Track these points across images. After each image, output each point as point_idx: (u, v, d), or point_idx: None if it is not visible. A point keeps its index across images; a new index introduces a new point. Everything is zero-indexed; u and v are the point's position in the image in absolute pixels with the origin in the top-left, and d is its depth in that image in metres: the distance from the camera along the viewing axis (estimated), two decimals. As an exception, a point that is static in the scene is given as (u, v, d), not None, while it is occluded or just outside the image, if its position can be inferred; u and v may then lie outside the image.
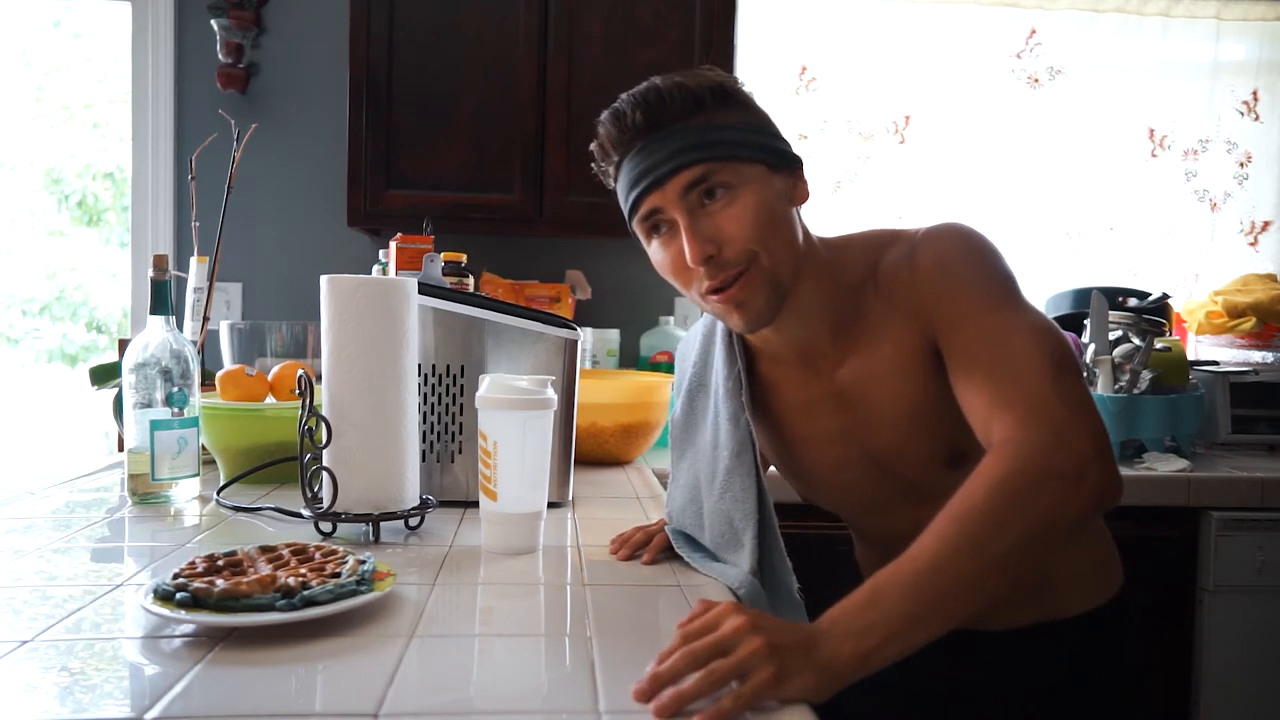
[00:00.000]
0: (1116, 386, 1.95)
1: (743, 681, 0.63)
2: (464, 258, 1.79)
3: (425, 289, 1.23)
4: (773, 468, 1.17)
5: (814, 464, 1.05)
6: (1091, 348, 1.98)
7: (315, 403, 1.05)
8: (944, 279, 0.88)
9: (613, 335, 2.35)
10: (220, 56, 2.31)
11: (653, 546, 1.02)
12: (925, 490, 0.94)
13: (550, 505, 1.22)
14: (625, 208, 0.93)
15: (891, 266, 0.93)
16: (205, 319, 1.61)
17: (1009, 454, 0.75)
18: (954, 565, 0.69)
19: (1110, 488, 0.76)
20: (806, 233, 0.95)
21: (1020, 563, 0.72)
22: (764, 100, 0.96)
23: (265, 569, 0.80)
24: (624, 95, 0.91)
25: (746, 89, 0.93)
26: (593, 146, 0.95)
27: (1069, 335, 1.95)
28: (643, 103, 0.88)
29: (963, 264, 0.88)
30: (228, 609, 0.72)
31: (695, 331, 1.15)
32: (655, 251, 0.94)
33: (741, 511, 0.96)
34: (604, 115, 0.92)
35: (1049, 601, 1.01)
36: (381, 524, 1.05)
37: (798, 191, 0.94)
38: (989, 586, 0.71)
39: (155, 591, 0.74)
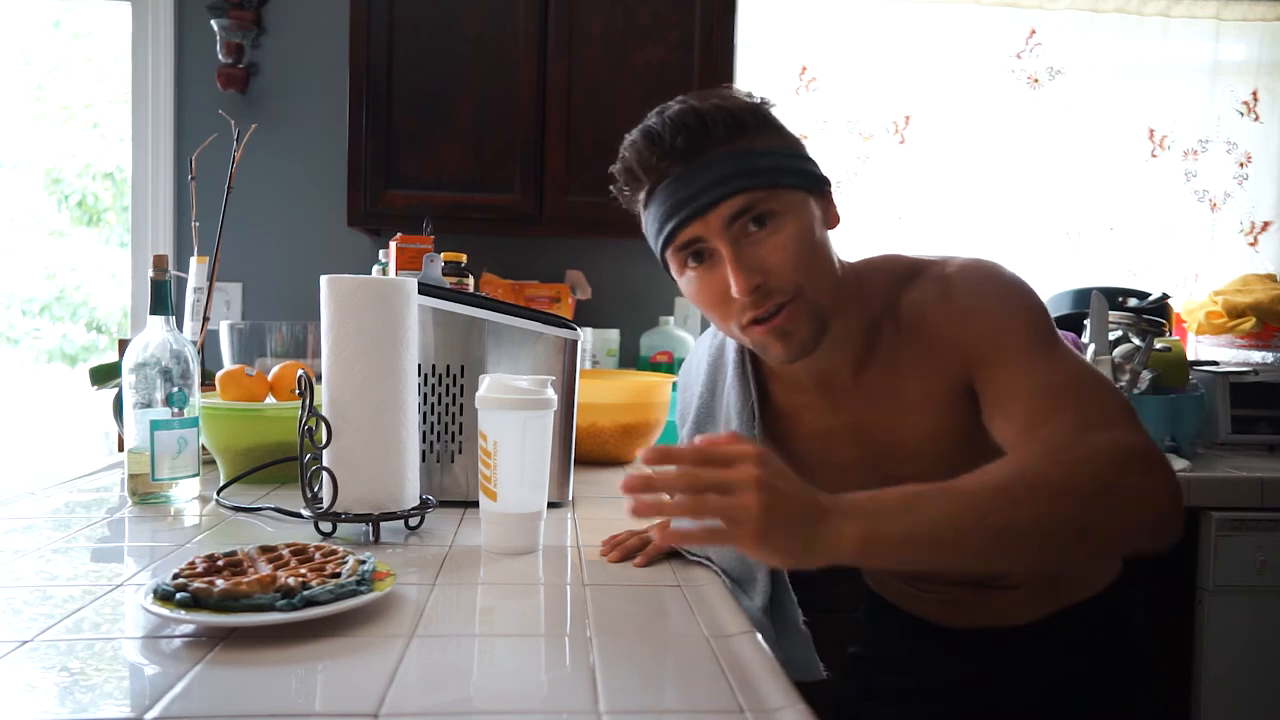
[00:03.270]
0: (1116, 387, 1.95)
1: (725, 525, 0.63)
2: (464, 258, 1.79)
3: (425, 289, 1.23)
4: None
5: (829, 491, 1.04)
6: (1091, 348, 1.98)
7: (315, 403, 1.05)
8: (983, 321, 0.87)
9: (613, 335, 2.35)
10: (220, 56, 2.31)
11: (649, 551, 1.00)
12: None
13: (550, 505, 1.21)
14: (658, 237, 0.88)
15: (919, 305, 0.91)
16: (205, 319, 1.61)
17: (1074, 438, 0.73)
18: (995, 507, 0.67)
19: (1179, 514, 0.71)
20: (838, 258, 0.93)
21: (1065, 537, 0.68)
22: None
23: (265, 569, 0.80)
24: (654, 116, 0.86)
25: (776, 111, 0.90)
26: (616, 169, 0.89)
27: (1068, 335, 1.95)
28: (683, 127, 0.83)
29: (1002, 305, 0.87)
30: (228, 609, 0.72)
31: (699, 358, 1.11)
32: (690, 282, 0.89)
33: None
34: (634, 136, 0.87)
35: (1064, 588, 1.02)
36: (381, 524, 1.04)
37: (830, 216, 0.91)
38: (1024, 545, 0.68)
39: (155, 591, 0.74)
